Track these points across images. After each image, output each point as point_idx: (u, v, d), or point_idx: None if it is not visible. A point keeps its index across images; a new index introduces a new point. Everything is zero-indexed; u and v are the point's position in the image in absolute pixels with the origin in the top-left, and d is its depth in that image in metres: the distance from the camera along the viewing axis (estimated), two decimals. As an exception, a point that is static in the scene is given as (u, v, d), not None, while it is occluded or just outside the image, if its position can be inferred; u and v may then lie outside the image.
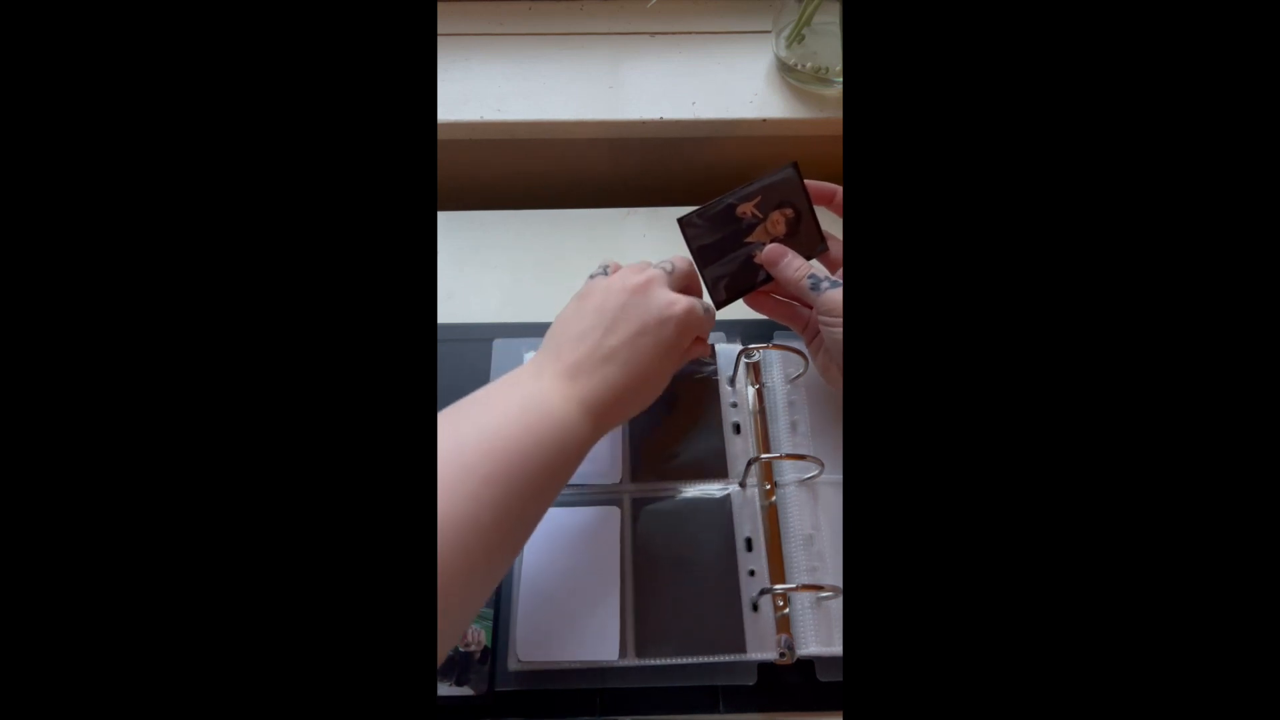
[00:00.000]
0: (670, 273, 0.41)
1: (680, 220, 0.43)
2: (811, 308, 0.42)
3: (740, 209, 0.43)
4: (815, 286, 0.40)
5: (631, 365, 0.37)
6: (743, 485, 0.44)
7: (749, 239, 0.43)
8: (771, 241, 0.43)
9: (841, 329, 0.39)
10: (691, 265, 0.43)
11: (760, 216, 0.43)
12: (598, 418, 0.36)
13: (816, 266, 0.42)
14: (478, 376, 0.48)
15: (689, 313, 0.39)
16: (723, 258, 0.43)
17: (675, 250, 0.57)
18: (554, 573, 0.41)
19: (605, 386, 0.36)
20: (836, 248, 0.44)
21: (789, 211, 0.43)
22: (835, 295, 0.39)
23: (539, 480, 0.33)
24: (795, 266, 0.41)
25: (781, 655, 0.39)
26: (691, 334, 0.40)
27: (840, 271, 0.44)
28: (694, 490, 0.44)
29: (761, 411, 0.46)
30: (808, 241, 0.43)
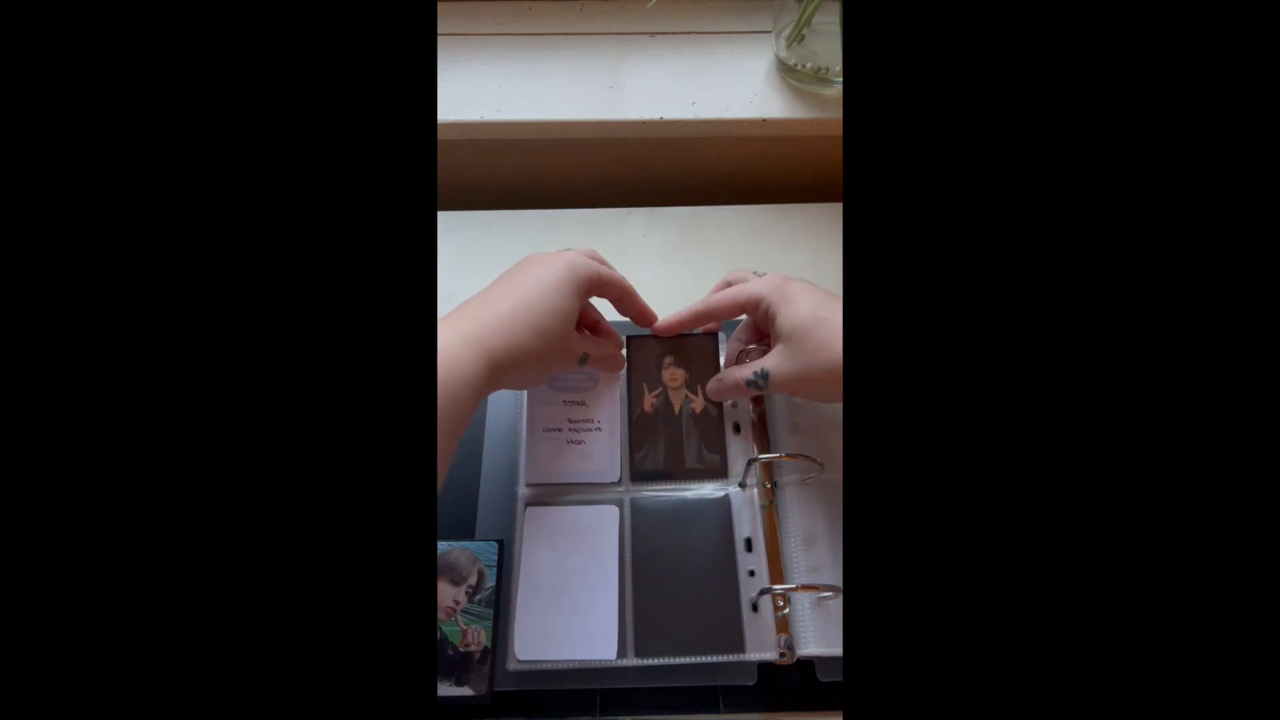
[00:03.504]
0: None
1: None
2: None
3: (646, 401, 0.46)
4: (757, 386, 0.42)
5: (517, 296, 0.37)
6: (743, 485, 0.44)
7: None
8: (677, 385, 0.46)
9: (808, 392, 0.41)
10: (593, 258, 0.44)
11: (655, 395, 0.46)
12: (490, 352, 0.35)
13: (739, 373, 0.43)
14: (478, 376, 0.48)
15: (575, 255, 0.40)
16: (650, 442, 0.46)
17: (675, 251, 0.57)
18: (553, 572, 0.41)
19: (493, 316, 0.36)
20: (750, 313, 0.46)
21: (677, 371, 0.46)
22: (775, 382, 0.41)
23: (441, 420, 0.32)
24: (731, 381, 0.43)
25: (781, 655, 0.39)
26: (582, 279, 0.40)
27: (761, 347, 0.45)
28: (694, 490, 0.44)
29: (761, 412, 0.46)
30: (701, 358, 0.46)
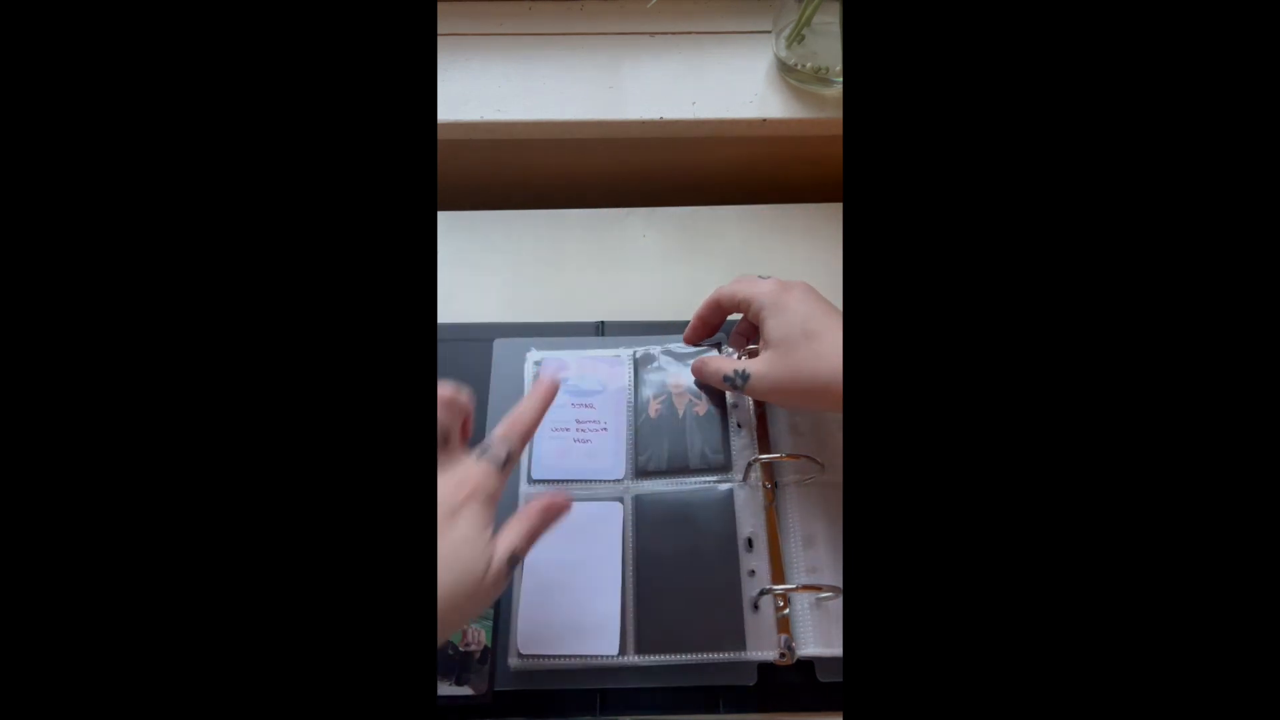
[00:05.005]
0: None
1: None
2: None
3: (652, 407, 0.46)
4: (733, 384, 0.42)
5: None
6: (744, 481, 0.44)
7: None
8: (681, 390, 0.47)
9: (784, 403, 0.43)
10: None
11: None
12: None
13: (723, 365, 0.44)
14: (478, 376, 0.48)
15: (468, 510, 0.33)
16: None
17: (674, 250, 0.57)
18: (556, 567, 0.41)
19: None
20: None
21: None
22: (754, 387, 0.41)
23: None
24: (712, 369, 0.44)
25: (781, 655, 0.39)
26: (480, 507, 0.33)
27: (746, 351, 0.45)
28: (697, 484, 0.44)
29: (761, 412, 0.46)
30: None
